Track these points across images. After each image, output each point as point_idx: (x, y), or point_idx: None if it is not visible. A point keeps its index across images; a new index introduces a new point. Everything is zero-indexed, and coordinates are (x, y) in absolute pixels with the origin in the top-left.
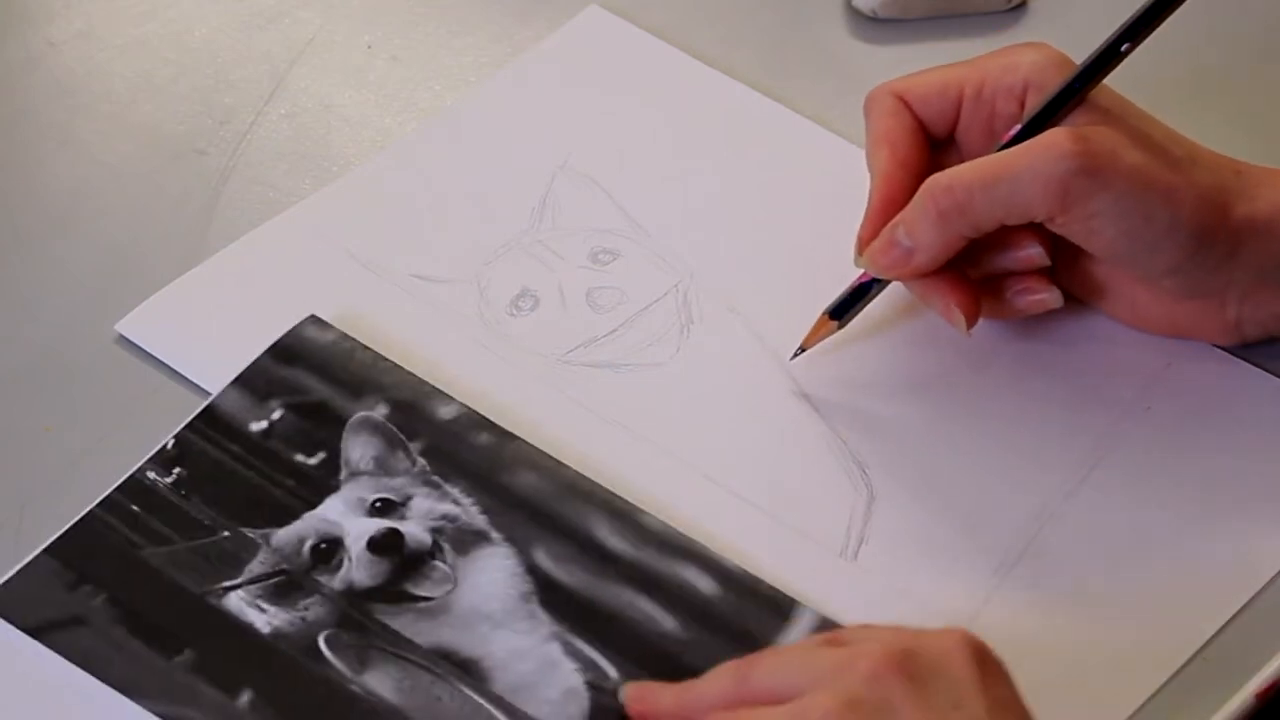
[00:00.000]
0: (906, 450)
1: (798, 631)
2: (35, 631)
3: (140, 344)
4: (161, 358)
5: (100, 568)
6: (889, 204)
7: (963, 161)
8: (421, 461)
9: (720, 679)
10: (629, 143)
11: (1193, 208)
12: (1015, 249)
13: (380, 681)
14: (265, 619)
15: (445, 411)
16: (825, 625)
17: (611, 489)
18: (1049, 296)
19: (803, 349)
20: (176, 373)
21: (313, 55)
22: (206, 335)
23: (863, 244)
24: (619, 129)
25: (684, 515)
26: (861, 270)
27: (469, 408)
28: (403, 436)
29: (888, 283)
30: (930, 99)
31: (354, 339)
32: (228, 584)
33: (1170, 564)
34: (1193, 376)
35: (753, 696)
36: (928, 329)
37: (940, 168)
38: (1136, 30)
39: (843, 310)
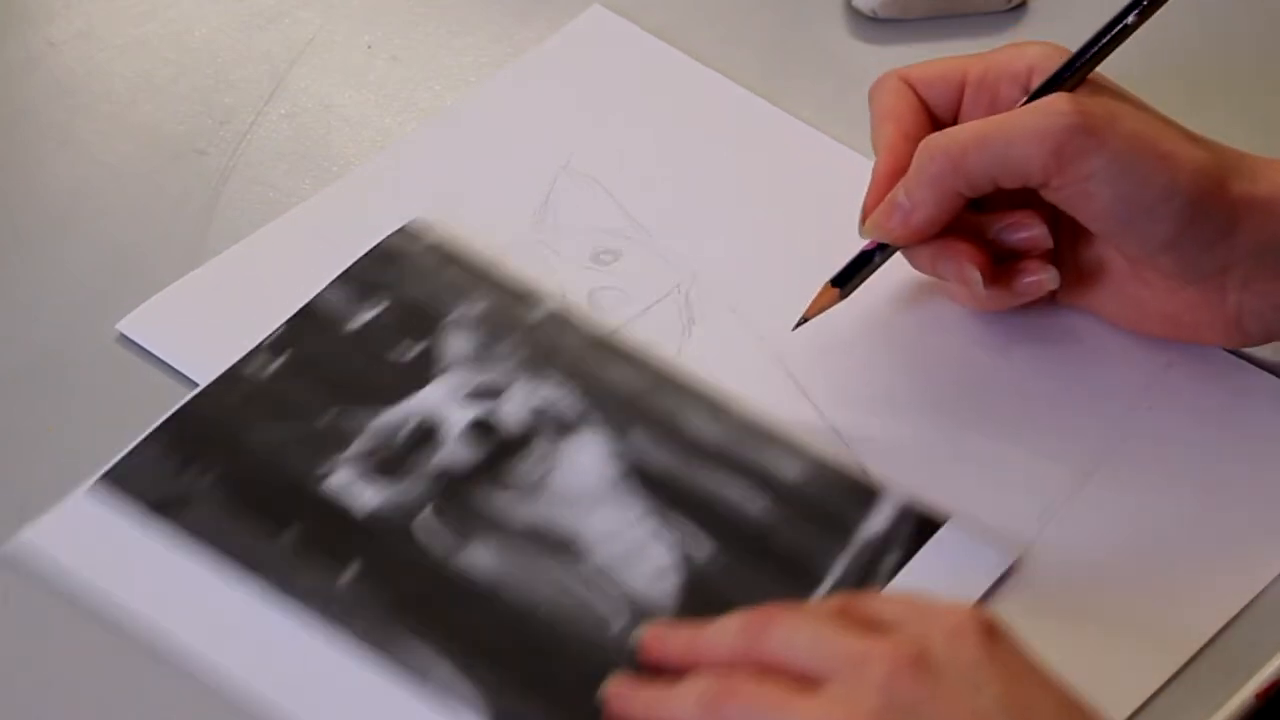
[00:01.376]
0: (908, 452)
1: (882, 516)
2: (146, 508)
3: (142, 343)
4: (163, 357)
5: (207, 448)
6: (893, 174)
7: None
8: (518, 355)
9: (730, 633)
10: (630, 143)
11: (1190, 175)
12: (1019, 229)
13: (479, 556)
14: (367, 497)
15: (539, 312)
16: (909, 509)
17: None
18: (1047, 277)
19: (805, 319)
20: (178, 372)
21: (313, 55)
22: (209, 335)
23: (866, 212)
24: (621, 129)
25: None
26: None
27: (561, 309)
28: (498, 333)
29: (892, 251)
30: (934, 83)
31: (450, 247)
32: (330, 463)
33: (1171, 564)
34: (1193, 376)
35: (759, 660)
36: (929, 332)
37: None
38: (1141, 2)
39: (845, 278)
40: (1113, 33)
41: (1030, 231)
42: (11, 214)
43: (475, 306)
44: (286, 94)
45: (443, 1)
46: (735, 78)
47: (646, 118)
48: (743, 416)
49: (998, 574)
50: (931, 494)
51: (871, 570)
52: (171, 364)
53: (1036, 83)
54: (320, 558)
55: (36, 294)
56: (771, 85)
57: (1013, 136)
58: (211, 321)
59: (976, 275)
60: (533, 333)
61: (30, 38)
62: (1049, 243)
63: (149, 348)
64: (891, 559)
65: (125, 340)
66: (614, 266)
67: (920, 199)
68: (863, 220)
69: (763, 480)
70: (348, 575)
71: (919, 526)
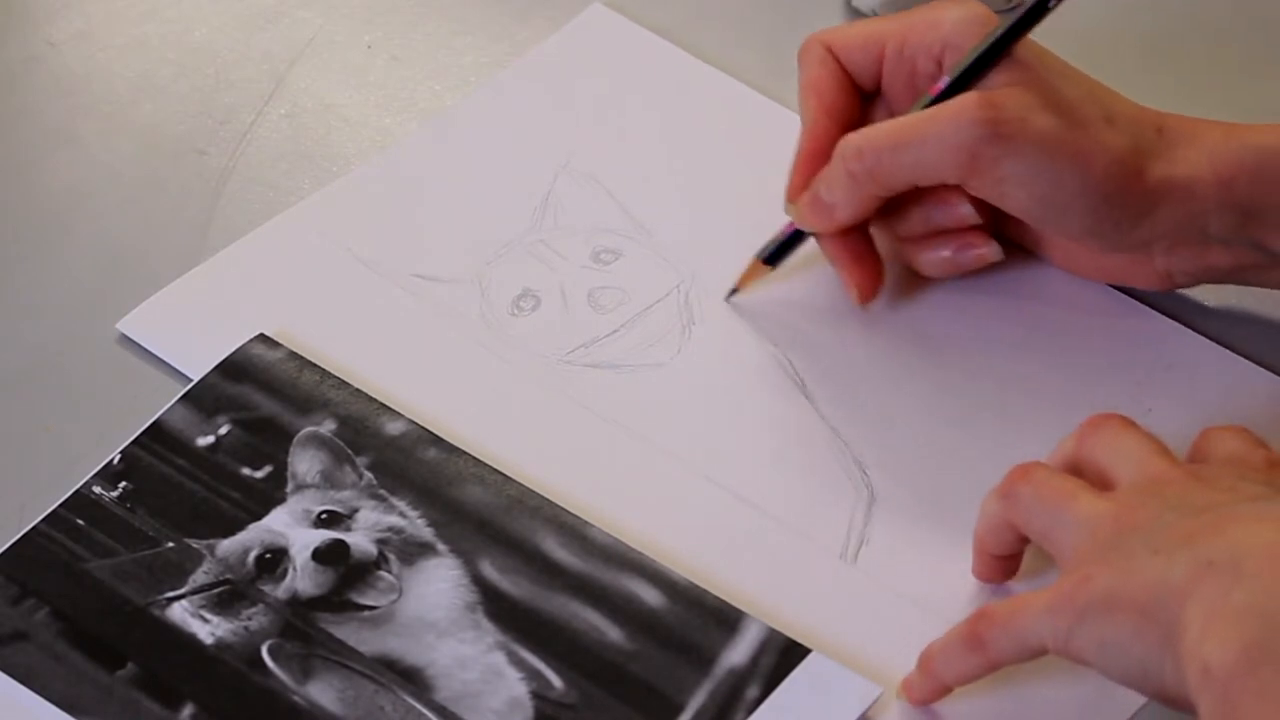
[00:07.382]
0: (907, 451)
1: (745, 644)
2: None
3: (142, 343)
4: (163, 356)
5: (44, 582)
6: (816, 154)
7: (890, 116)
8: (368, 475)
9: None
10: (631, 142)
11: (1103, 172)
12: (945, 206)
13: (323, 692)
14: (208, 629)
15: (393, 427)
16: (772, 638)
17: (597, 493)
18: (988, 250)
19: (735, 290)
20: (178, 372)
21: (313, 55)
22: (208, 334)
23: (793, 192)
24: (621, 128)
25: (682, 517)
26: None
27: (416, 423)
28: (349, 451)
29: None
30: (854, 51)
31: (302, 357)
32: (171, 594)
33: None
34: (1192, 377)
35: (1080, 455)
36: (929, 332)
37: (868, 120)
38: None
39: (776, 256)
40: (1031, 17)
41: (957, 209)
42: (11, 214)
43: (328, 421)
44: (286, 94)
45: (443, 1)
46: (735, 77)
47: (647, 116)
48: (600, 541)
49: (868, 703)
50: (929, 495)
51: (734, 700)
52: (171, 363)
53: (949, 61)
54: (159, 693)
55: (36, 294)
56: (772, 84)
57: (926, 142)
58: (211, 320)
59: (855, 293)
60: (385, 450)
61: (30, 38)
62: (976, 219)
63: (149, 347)
64: (754, 690)
65: (125, 340)
66: (614, 266)
67: (840, 199)
68: (789, 199)
69: (621, 607)
70: (186, 711)
71: (782, 654)
